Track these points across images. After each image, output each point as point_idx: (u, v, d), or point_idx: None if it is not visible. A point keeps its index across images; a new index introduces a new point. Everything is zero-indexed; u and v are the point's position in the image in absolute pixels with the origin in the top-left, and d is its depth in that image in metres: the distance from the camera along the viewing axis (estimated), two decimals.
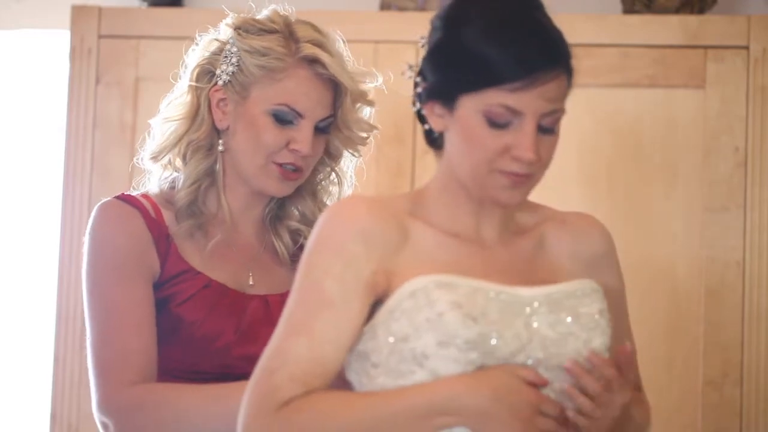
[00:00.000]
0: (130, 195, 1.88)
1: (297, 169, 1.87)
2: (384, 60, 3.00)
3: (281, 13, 1.93)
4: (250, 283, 1.90)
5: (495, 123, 1.47)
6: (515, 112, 1.46)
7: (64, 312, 3.00)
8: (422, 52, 1.58)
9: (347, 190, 1.98)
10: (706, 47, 2.97)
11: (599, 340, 1.51)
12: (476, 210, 1.56)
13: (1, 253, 3.49)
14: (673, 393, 2.90)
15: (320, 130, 1.88)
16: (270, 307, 1.87)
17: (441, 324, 1.44)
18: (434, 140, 1.57)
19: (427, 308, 1.45)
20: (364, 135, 1.94)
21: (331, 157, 1.94)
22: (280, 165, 1.86)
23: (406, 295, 1.47)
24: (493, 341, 1.45)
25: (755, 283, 2.90)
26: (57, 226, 3.10)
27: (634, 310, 2.89)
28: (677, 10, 3.02)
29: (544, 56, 1.46)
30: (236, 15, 1.93)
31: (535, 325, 1.48)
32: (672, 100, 2.97)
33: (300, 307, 1.49)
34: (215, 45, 1.91)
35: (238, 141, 1.88)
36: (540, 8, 1.51)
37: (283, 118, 1.86)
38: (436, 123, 1.53)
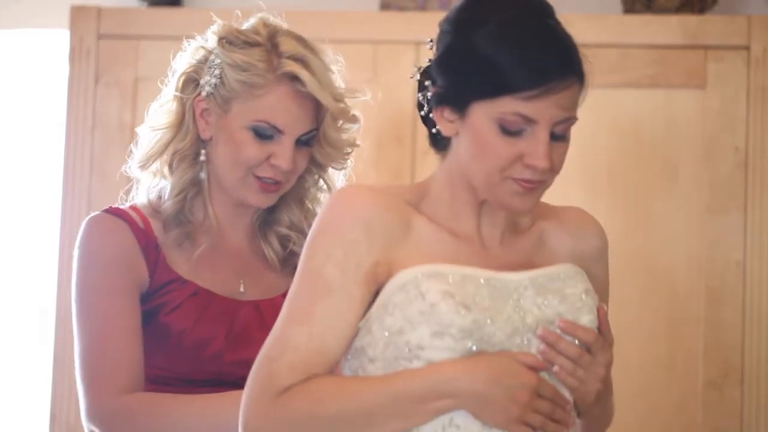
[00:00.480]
0: (118, 208, 1.89)
1: (277, 183, 1.87)
2: (384, 60, 3.00)
3: (268, 23, 1.91)
4: (241, 290, 1.90)
5: (508, 130, 1.47)
6: (529, 120, 1.46)
7: (63, 312, 2.99)
8: (423, 53, 1.57)
9: None
10: (706, 47, 2.97)
11: (587, 318, 1.52)
12: (478, 211, 1.56)
13: (0, 254, 3.48)
14: (673, 393, 2.90)
15: (303, 143, 1.88)
16: (262, 313, 1.87)
17: (434, 315, 1.45)
18: (437, 142, 1.57)
19: (418, 300, 1.46)
20: (347, 151, 1.93)
21: (317, 165, 1.94)
22: (260, 178, 1.86)
23: (396, 288, 1.48)
24: (488, 327, 1.46)
25: (755, 284, 2.90)
26: (56, 226, 3.10)
27: (634, 310, 2.90)
28: (677, 10, 3.02)
29: (560, 65, 1.46)
30: (222, 23, 1.92)
31: (524, 308, 1.50)
32: (672, 101, 2.97)
33: (301, 294, 1.50)
34: (201, 53, 1.90)
35: (218, 153, 1.88)
36: (551, 13, 1.51)
37: (263, 134, 1.85)
38: (446, 128, 1.52)
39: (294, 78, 1.85)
